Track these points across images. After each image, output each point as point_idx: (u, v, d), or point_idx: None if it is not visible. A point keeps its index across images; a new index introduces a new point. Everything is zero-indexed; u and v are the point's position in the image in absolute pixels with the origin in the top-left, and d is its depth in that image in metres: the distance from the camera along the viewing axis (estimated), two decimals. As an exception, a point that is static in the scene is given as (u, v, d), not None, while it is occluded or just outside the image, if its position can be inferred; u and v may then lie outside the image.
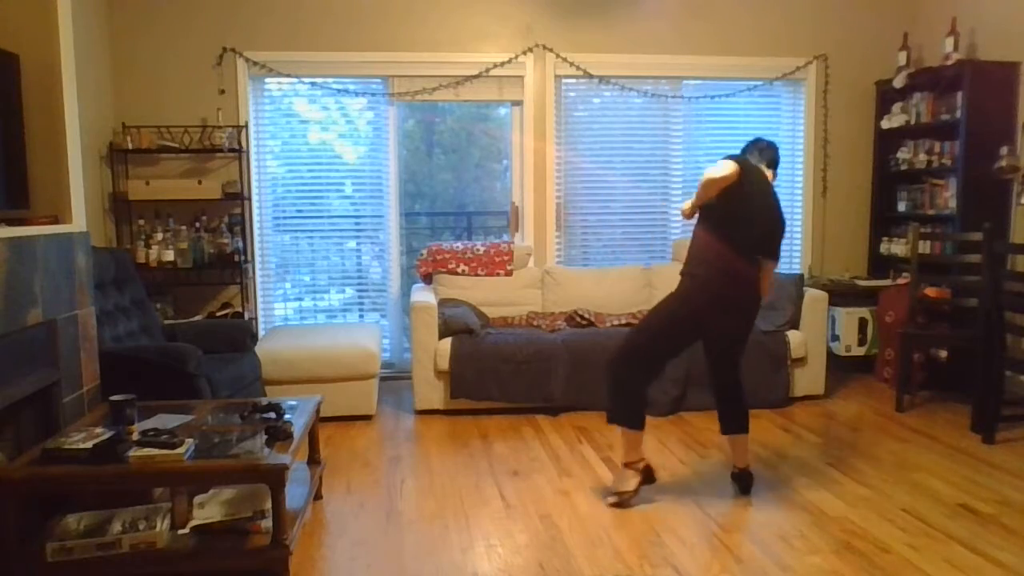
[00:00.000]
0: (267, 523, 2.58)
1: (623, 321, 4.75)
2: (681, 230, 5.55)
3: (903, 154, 5.31)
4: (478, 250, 5.05)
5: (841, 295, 5.21)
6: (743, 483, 3.33)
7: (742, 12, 5.38)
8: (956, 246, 4.72)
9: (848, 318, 5.22)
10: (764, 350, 4.55)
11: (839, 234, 5.65)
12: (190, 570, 2.52)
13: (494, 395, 4.44)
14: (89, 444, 2.50)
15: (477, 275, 5.01)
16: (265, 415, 2.89)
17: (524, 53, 5.21)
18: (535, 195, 5.36)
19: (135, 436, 2.61)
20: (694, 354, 4.46)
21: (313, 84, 5.10)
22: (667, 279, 5.14)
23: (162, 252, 4.70)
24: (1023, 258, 4.62)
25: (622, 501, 3.18)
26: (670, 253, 5.42)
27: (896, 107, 5.31)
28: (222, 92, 4.97)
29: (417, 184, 5.84)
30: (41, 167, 3.05)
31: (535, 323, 4.75)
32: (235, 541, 2.55)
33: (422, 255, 5.10)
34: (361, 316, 5.43)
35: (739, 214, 3.10)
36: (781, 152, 5.78)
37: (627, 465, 3.21)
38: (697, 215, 3.24)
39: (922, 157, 5.14)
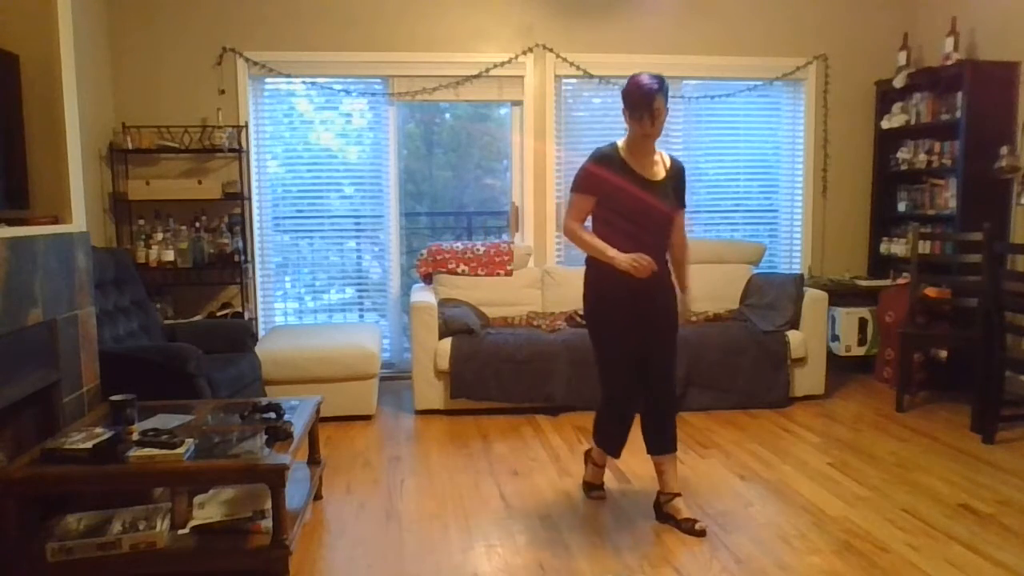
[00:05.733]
0: (267, 523, 2.58)
1: (623, 321, 4.75)
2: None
3: (903, 154, 5.31)
4: (478, 250, 5.04)
5: (841, 295, 5.21)
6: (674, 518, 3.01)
7: (742, 12, 5.38)
8: (956, 246, 4.72)
9: (848, 318, 5.21)
10: (764, 350, 4.55)
11: (839, 234, 5.64)
12: (190, 570, 2.52)
13: (494, 395, 4.44)
14: (89, 444, 2.50)
15: (477, 275, 5.00)
16: (265, 415, 2.89)
17: (524, 53, 5.21)
18: (535, 195, 5.36)
19: (135, 436, 2.61)
20: (694, 354, 4.50)
21: (313, 84, 5.10)
22: (667, 279, 5.14)
23: (162, 252, 4.69)
24: (1023, 258, 4.62)
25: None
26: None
27: (896, 107, 5.31)
28: (222, 92, 4.97)
29: (417, 184, 5.85)
30: (41, 167, 3.05)
31: (535, 323, 4.75)
32: (235, 541, 2.55)
33: (422, 255, 5.10)
34: (361, 316, 5.43)
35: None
36: (780, 152, 5.79)
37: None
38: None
39: (922, 157, 5.14)
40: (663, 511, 3.03)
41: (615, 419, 3.15)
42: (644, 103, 2.79)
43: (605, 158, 2.89)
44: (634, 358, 3.01)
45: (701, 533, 2.89)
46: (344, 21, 5.04)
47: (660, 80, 2.82)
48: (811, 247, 5.63)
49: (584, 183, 2.89)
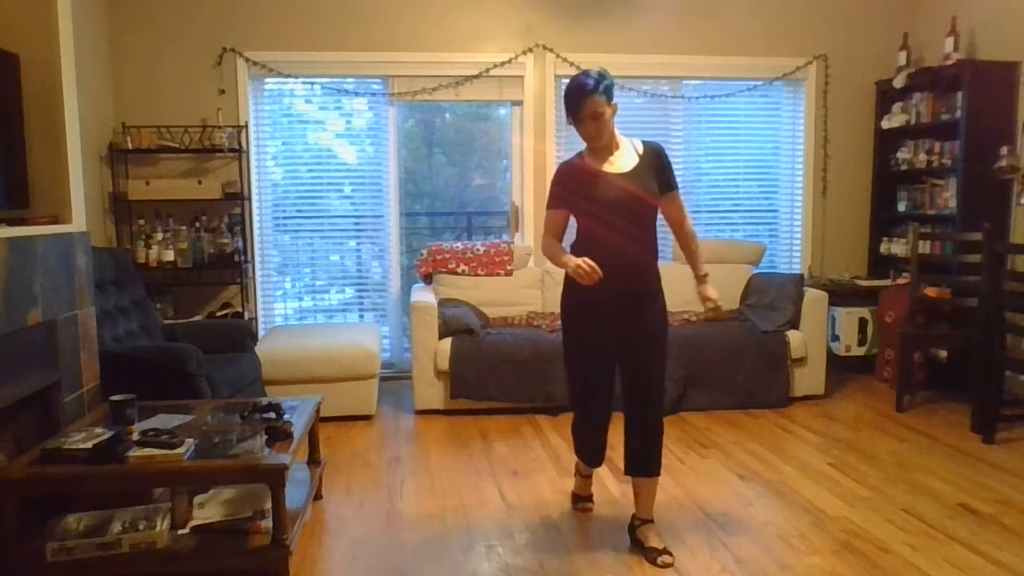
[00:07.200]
0: (267, 523, 2.58)
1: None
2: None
3: (903, 154, 5.31)
4: (478, 250, 5.04)
5: (841, 295, 5.21)
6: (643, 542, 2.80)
7: (742, 12, 5.38)
8: (956, 246, 4.71)
9: (848, 318, 5.21)
10: (764, 350, 4.55)
11: (839, 234, 5.64)
12: (190, 570, 2.52)
13: (494, 395, 4.44)
14: (89, 444, 2.50)
15: (477, 275, 5.00)
16: (265, 415, 2.89)
17: (524, 53, 5.20)
18: (535, 195, 5.36)
19: (135, 436, 2.61)
20: (694, 354, 4.50)
21: (313, 84, 5.10)
22: (666, 278, 5.12)
23: (162, 252, 4.69)
24: (1023, 258, 4.62)
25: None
26: (670, 252, 5.41)
27: (896, 107, 5.31)
28: (222, 92, 4.97)
29: (417, 184, 5.85)
30: (41, 167, 3.05)
31: (535, 323, 4.75)
32: (235, 541, 2.55)
33: (422, 255, 5.10)
34: (361, 316, 5.43)
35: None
36: (780, 152, 5.77)
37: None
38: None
39: (922, 157, 5.14)
40: (635, 536, 2.83)
41: (589, 426, 2.92)
42: (575, 106, 2.57)
43: (566, 167, 2.77)
44: (606, 367, 2.82)
45: (664, 566, 2.66)
46: (344, 21, 5.04)
47: (599, 77, 2.56)
48: (811, 247, 5.63)
49: (551, 200, 2.78)
